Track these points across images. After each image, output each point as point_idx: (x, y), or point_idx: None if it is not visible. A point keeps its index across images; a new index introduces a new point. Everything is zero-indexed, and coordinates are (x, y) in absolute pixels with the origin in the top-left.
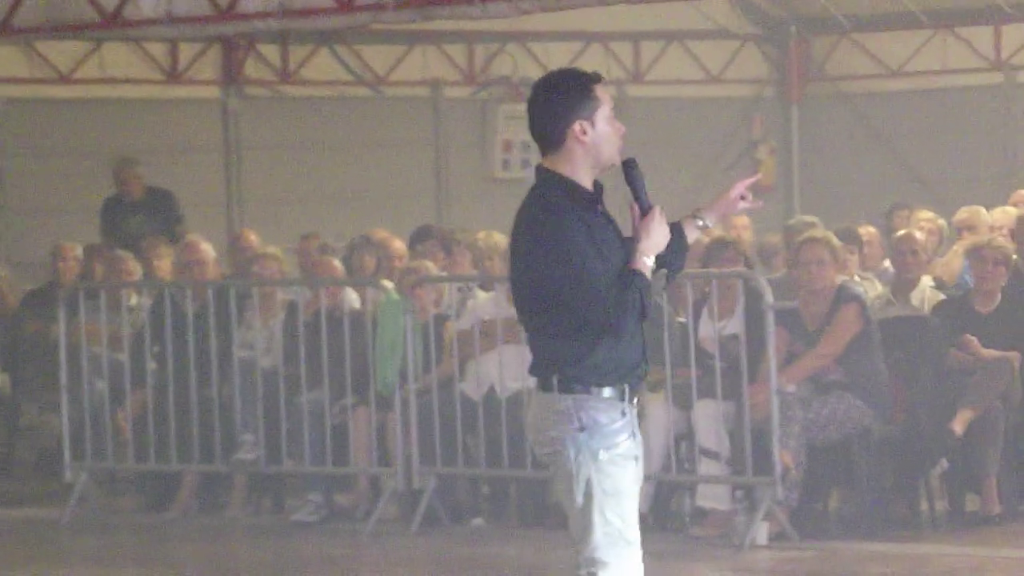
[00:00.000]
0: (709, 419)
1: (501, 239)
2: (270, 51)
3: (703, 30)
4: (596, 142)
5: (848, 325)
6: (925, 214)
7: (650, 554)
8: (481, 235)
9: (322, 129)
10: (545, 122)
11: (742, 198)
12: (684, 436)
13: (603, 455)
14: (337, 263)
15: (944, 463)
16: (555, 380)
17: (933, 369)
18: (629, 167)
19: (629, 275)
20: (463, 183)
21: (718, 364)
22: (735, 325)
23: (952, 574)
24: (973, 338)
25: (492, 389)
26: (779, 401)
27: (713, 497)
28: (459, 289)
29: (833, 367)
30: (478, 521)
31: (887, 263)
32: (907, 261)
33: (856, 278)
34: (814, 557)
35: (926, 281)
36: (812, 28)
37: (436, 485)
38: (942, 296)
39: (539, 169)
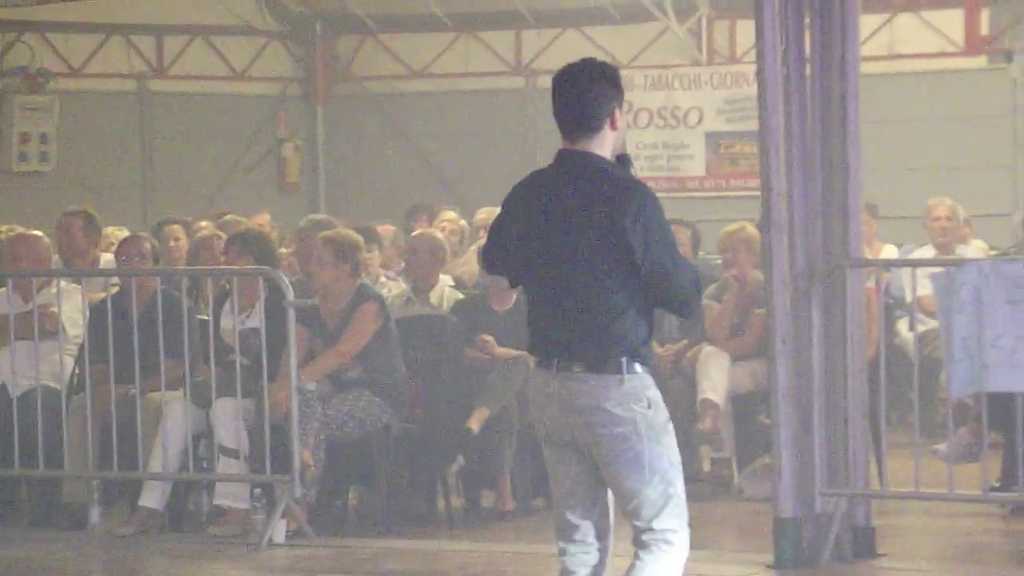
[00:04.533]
0: (228, 417)
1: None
2: None
3: (228, 25)
4: (621, 130)
5: (367, 323)
6: (448, 215)
7: (168, 554)
8: (3, 229)
9: None
10: (589, 107)
11: None
12: (203, 434)
13: (668, 427)
14: None
15: (461, 460)
16: (624, 360)
17: (451, 367)
18: (625, 162)
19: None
20: None
21: (239, 359)
22: (256, 320)
23: (465, 568)
24: (489, 338)
25: (3, 387)
26: (299, 398)
27: (231, 495)
28: None
29: (353, 365)
30: None
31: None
32: (424, 260)
33: (383, 278)
34: (330, 554)
35: (446, 280)
36: (338, 27)
37: None
38: (461, 295)
39: (580, 153)
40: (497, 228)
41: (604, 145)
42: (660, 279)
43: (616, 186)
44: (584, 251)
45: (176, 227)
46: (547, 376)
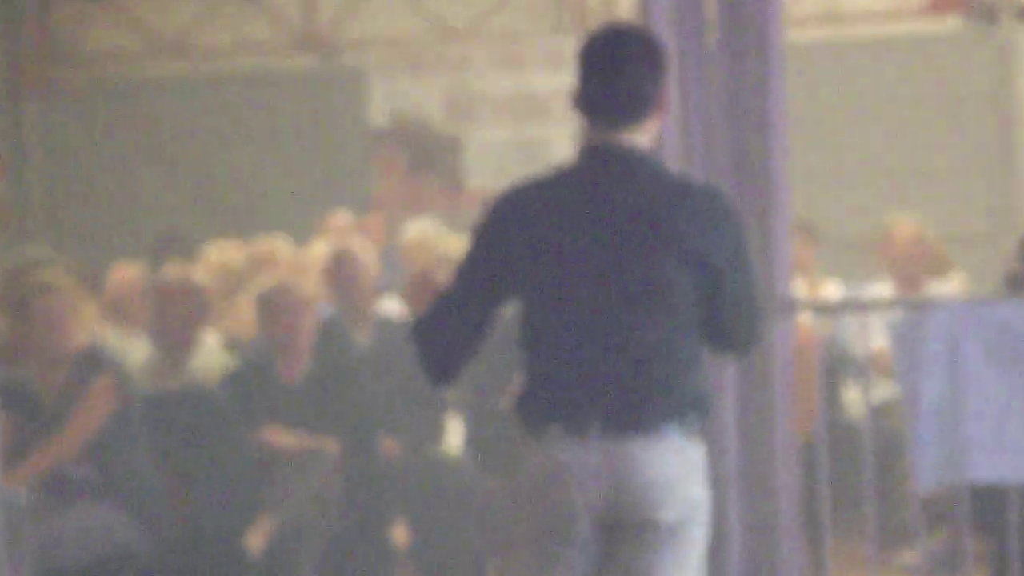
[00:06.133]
0: None
1: None
2: None
3: None
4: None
5: (98, 402)
6: (215, 248)
7: None
8: None
9: None
10: (639, 86)
11: None
12: None
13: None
14: None
15: None
16: (699, 422)
17: (221, 462)
18: None
19: None
20: None
21: None
22: None
23: None
24: (278, 432)
25: None
26: (3, 512)
27: None
28: None
29: (80, 462)
30: None
31: None
32: (178, 312)
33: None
34: None
35: (213, 339)
36: None
37: None
38: (235, 359)
39: (628, 150)
40: (476, 259)
41: (647, 136)
42: (743, 319)
43: (698, 200)
44: (653, 282)
45: None
46: (582, 445)
